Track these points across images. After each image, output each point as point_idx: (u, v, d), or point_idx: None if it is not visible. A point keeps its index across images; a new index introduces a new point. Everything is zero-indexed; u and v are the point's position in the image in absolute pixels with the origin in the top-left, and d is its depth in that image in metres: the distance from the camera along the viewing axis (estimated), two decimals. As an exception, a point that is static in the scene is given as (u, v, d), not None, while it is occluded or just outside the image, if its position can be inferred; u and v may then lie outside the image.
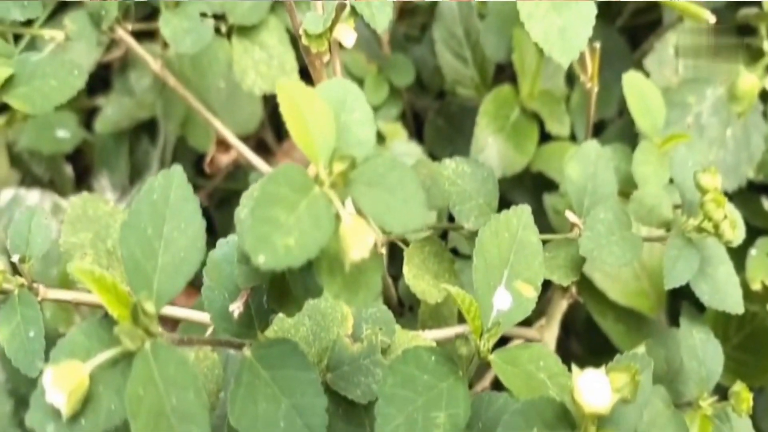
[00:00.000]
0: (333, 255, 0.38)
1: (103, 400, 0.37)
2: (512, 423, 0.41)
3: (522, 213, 0.52)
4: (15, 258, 0.46)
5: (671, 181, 0.68)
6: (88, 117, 0.98)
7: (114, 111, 0.93)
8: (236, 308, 0.42)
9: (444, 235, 0.79)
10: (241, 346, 0.43)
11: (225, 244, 0.45)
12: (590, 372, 0.41)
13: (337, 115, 0.39)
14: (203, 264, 0.41)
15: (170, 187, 0.39)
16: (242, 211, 0.42)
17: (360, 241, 0.36)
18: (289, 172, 0.35)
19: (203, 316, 0.51)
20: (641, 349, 0.62)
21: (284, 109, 0.37)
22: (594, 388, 0.40)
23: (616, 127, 0.92)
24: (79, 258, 0.53)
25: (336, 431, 0.53)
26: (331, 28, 0.49)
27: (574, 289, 0.78)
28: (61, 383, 0.35)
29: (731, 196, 0.77)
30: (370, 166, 0.38)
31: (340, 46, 0.51)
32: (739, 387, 0.59)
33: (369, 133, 0.40)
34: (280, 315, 0.54)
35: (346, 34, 0.45)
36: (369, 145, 0.39)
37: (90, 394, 0.37)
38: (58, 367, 0.36)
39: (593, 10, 0.60)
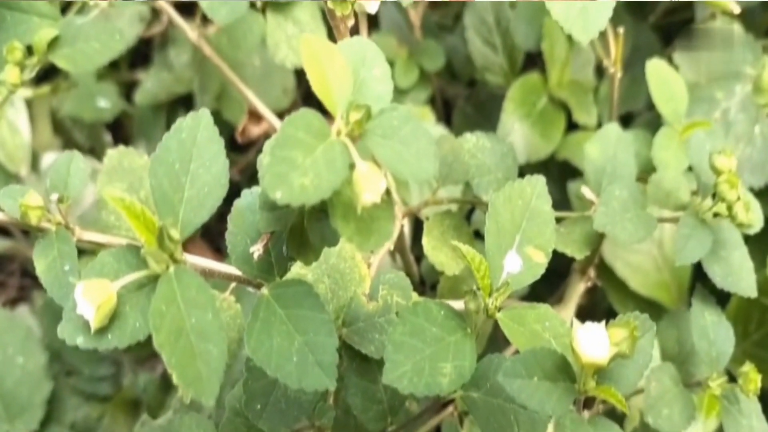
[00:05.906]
0: (347, 202, 0.40)
1: (129, 318, 0.40)
2: (513, 371, 0.43)
3: (536, 182, 0.53)
4: (54, 197, 0.49)
5: (690, 169, 0.69)
6: (128, 89, 1.02)
7: (153, 84, 0.96)
8: (256, 250, 0.44)
9: (468, 216, 0.80)
10: (260, 286, 0.45)
11: (249, 195, 0.47)
12: (590, 324, 0.42)
13: (356, 71, 0.42)
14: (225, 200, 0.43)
15: (198, 128, 0.42)
16: (264, 158, 0.44)
17: (372, 185, 0.38)
18: (307, 118, 0.37)
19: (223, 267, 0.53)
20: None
21: (305, 61, 0.39)
22: (593, 340, 0.41)
23: (643, 119, 0.92)
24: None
25: (349, 385, 0.55)
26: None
27: (592, 273, 0.79)
28: (91, 296, 0.38)
29: (758, 193, 0.76)
30: (386, 118, 0.40)
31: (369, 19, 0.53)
32: (747, 367, 0.59)
33: (386, 89, 0.42)
34: (301, 272, 0.57)
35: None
36: (386, 100, 0.41)
37: (117, 312, 0.40)
38: (89, 282, 0.39)
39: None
